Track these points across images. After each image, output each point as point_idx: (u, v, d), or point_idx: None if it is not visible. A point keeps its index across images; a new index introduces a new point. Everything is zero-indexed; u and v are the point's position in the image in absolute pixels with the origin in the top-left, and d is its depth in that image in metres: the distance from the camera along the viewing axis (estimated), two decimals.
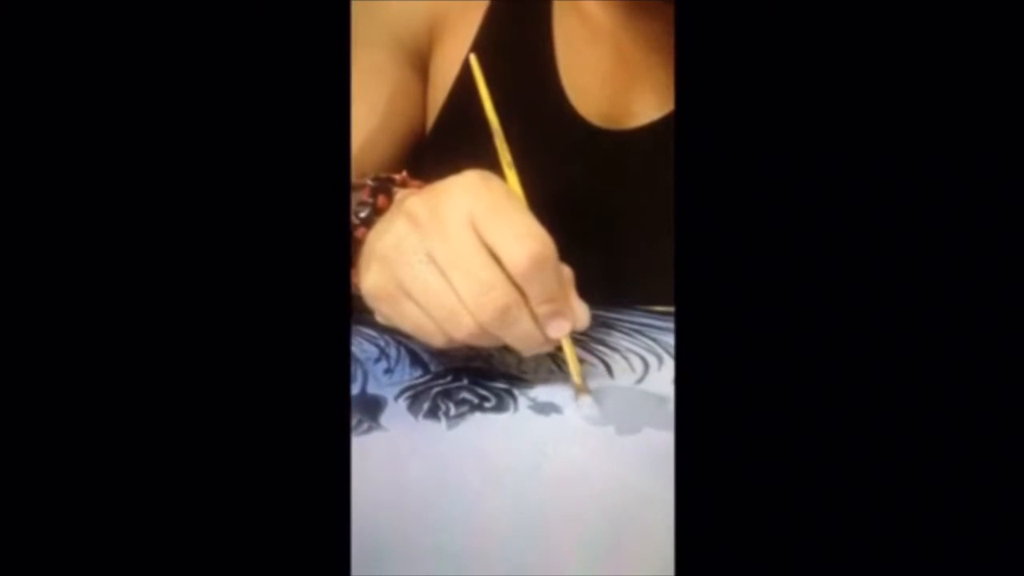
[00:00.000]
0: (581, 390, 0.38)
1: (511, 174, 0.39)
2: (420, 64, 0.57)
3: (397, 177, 0.41)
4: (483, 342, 0.35)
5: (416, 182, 0.42)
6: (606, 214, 0.56)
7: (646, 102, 0.56)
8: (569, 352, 0.38)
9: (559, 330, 0.36)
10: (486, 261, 0.33)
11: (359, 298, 0.37)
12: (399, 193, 0.39)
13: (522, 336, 0.35)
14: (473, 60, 0.42)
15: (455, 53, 0.55)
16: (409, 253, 0.34)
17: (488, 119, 0.40)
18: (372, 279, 0.35)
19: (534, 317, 0.35)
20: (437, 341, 0.35)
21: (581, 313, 0.36)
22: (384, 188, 0.40)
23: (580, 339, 0.44)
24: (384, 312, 0.36)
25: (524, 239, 0.33)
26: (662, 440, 0.34)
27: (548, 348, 0.37)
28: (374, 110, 0.54)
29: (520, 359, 0.42)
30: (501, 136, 0.40)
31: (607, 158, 0.56)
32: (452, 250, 0.33)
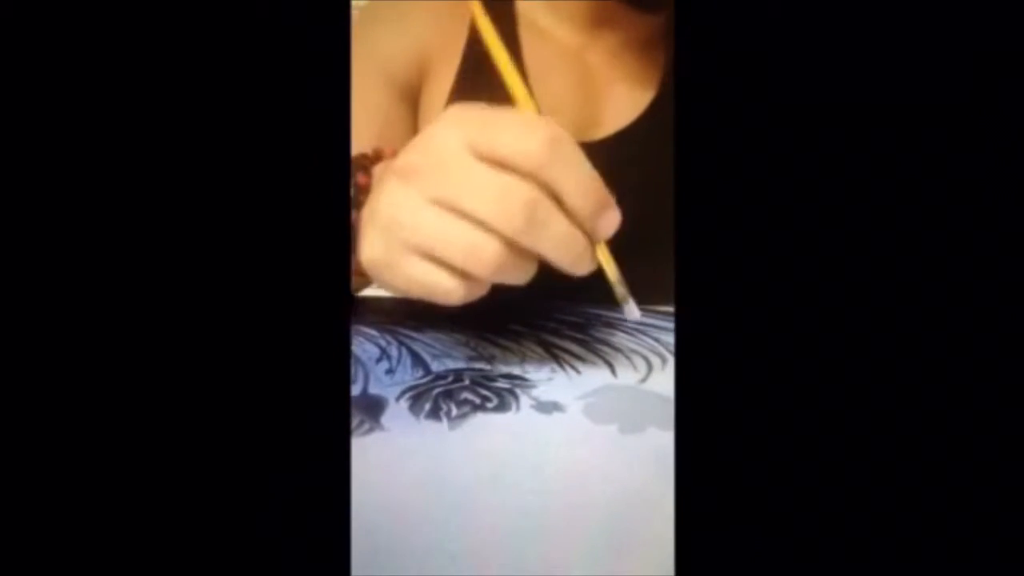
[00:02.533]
0: (623, 298, 0.37)
1: (512, 76, 0.38)
2: (411, 98, 0.59)
3: (370, 153, 0.40)
4: (511, 272, 0.32)
5: (390, 149, 0.40)
6: None
7: (615, 109, 0.59)
8: (605, 259, 0.36)
9: (610, 225, 0.33)
10: (498, 174, 0.31)
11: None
12: (378, 167, 0.38)
13: (560, 241, 0.32)
14: (476, 7, 0.41)
15: (442, 87, 0.58)
16: (409, 209, 0.32)
17: (495, 57, 0.39)
18: (373, 247, 0.33)
19: (567, 216, 0.32)
20: (455, 295, 0.33)
21: (613, 202, 0.34)
22: (359, 167, 0.38)
23: (583, 339, 0.44)
24: (389, 281, 0.34)
25: (531, 128, 0.31)
26: (665, 440, 0.34)
27: (589, 258, 0.34)
28: (368, 141, 0.55)
29: (522, 359, 0.42)
30: (509, 64, 0.38)
31: (595, 167, 0.58)
32: (459, 181, 0.31)
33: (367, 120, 0.56)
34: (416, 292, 0.33)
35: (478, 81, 0.56)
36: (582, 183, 0.32)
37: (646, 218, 0.55)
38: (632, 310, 0.37)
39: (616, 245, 0.57)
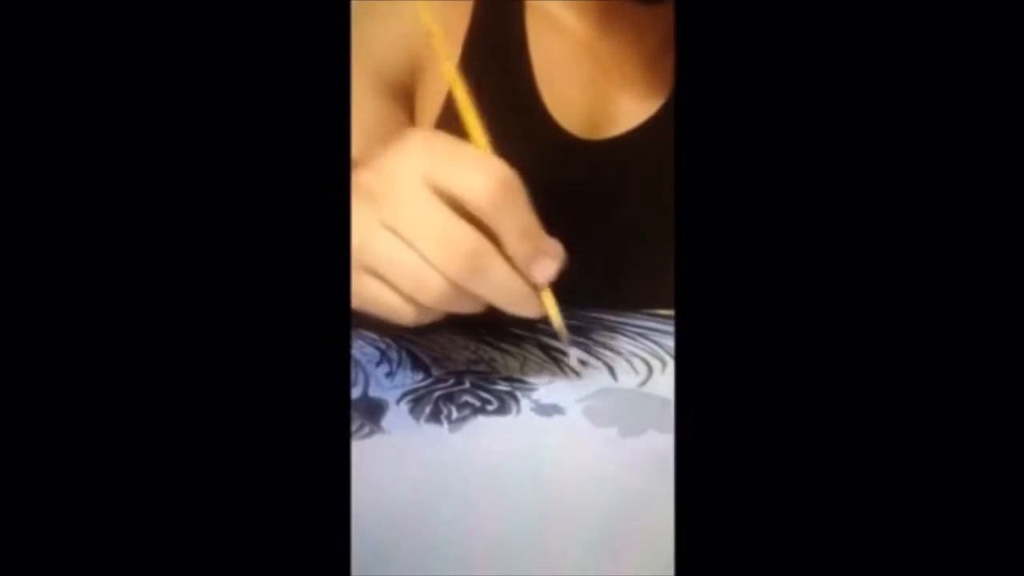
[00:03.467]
0: (566, 341, 0.38)
1: (468, 113, 0.37)
2: (403, 97, 0.58)
3: None
4: (458, 304, 0.33)
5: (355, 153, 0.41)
6: (605, 219, 0.56)
7: (629, 108, 0.57)
8: (550, 304, 0.36)
9: (545, 271, 0.34)
10: (447, 214, 0.32)
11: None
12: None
13: (499, 286, 0.33)
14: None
15: (438, 86, 0.56)
16: (364, 228, 0.32)
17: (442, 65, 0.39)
18: None
19: (509, 262, 0.33)
20: (407, 316, 0.34)
21: (558, 249, 0.34)
22: None
23: (583, 342, 0.44)
24: None
25: (481, 171, 0.32)
26: (665, 443, 0.34)
27: (534, 304, 0.35)
28: (358, 140, 0.55)
29: (523, 362, 0.42)
30: (456, 76, 0.38)
31: (597, 167, 0.56)
32: (409, 212, 0.32)
33: (356, 119, 0.55)
34: (369, 309, 0.34)
35: (476, 81, 0.55)
36: (521, 229, 0.32)
37: (647, 221, 0.55)
38: (574, 356, 0.38)
39: (617, 247, 0.57)
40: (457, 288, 0.32)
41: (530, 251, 0.33)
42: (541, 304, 0.35)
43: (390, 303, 0.33)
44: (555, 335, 0.38)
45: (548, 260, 0.34)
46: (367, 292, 0.33)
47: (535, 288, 0.34)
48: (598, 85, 0.57)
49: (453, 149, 0.33)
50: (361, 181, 0.33)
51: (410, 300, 0.33)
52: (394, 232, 0.32)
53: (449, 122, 0.55)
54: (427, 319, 0.34)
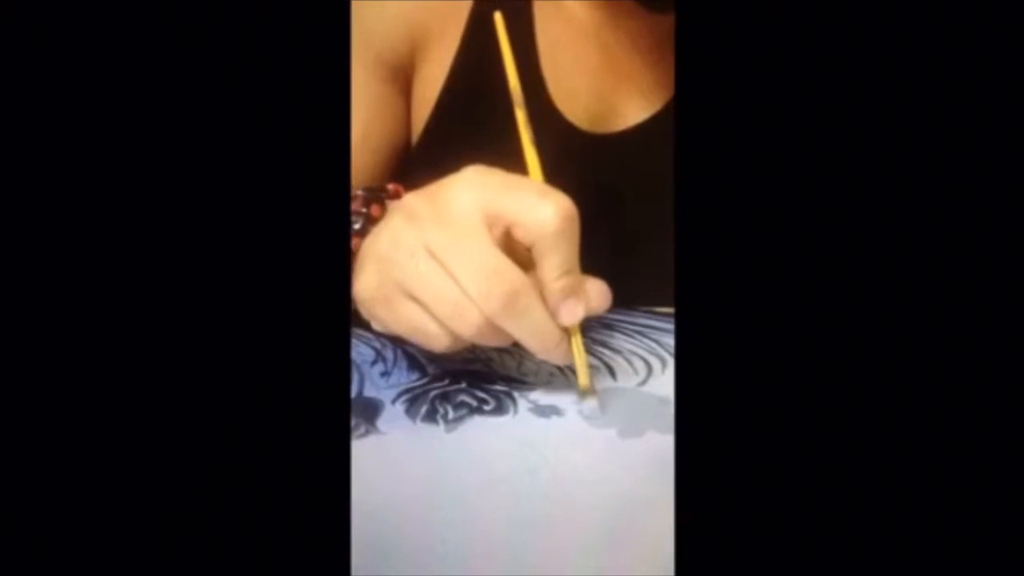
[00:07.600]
0: (587, 391, 0.37)
1: (529, 149, 0.38)
2: (402, 80, 0.57)
3: (390, 187, 0.41)
4: (491, 340, 0.34)
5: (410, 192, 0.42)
6: (604, 216, 0.56)
7: (633, 103, 0.56)
8: (578, 351, 0.36)
9: (572, 314, 0.34)
10: (490, 248, 0.32)
11: (355, 311, 0.36)
12: (393, 203, 0.38)
13: (533, 330, 0.33)
14: (498, 18, 0.41)
15: (438, 68, 0.55)
16: (407, 249, 0.33)
17: (510, 85, 0.39)
18: (368, 281, 0.34)
19: (546, 305, 0.33)
20: (441, 343, 0.34)
21: (597, 292, 0.35)
22: (376, 198, 0.39)
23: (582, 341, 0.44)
24: (381, 317, 0.35)
25: (546, 199, 0.32)
26: (664, 443, 0.34)
27: (563, 350, 0.35)
28: (355, 123, 0.54)
29: (520, 362, 0.41)
30: (521, 103, 0.39)
31: (598, 161, 0.56)
32: (453, 241, 0.32)
33: (354, 102, 0.54)
34: (404, 331, 0.34)
35: (476, 68, 0.53)
36: (564, 265, 0.33)
37: (648, 217, 0.54)
38: (589, 407, 0.36)
39: (617, 245, 0.57)
40: (492, 325, 0.33)
41: (565, 287, 0.33)
42: (569, 352, 0.35)
43: (428, 329, 0.33)
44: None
45: (577, 303, 0.34)
46: (405, 316, 0.34)
47: (565, 332, 0.35)
48: (604, 77, 0.56)
49: (512, 180, 0.33)
50: (412, 204, 0.33)
51: (446, 328, 0.33)
52: (436, 258, 0.32)
53: (448, 107, 0.54)
54: (459, 346, 0.35)
